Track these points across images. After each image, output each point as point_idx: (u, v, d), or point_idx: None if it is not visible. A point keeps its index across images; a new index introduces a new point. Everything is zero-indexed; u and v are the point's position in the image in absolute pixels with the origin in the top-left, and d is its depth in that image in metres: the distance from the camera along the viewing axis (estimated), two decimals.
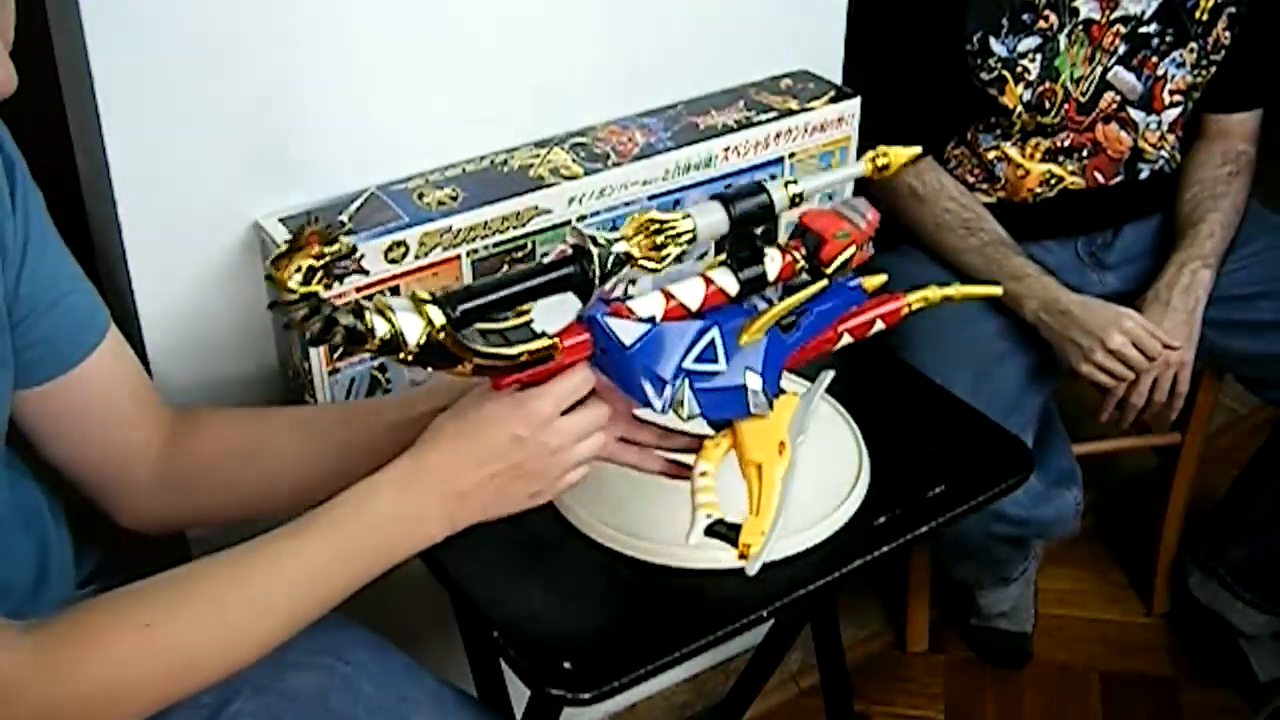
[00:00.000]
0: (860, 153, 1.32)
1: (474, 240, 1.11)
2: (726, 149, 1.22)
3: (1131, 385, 1.47)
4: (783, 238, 0.94)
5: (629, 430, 0.95)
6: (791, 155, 1.27)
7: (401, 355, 0.78)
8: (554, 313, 0.86)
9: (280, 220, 1.08)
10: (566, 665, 0.93)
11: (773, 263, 0.91)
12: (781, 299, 0.90)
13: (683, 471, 0.95)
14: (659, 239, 0.86)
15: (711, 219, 0.88)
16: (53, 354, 0.89)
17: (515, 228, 1.13)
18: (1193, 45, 1.49)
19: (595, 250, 0.84)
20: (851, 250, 0.92)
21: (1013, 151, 1.51)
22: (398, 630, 1.03)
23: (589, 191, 1.16)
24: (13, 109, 0.89)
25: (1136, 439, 1.75)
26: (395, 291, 1.08)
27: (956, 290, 1.00)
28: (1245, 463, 1.74)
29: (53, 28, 1.07)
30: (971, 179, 1.54)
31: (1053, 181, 1.53)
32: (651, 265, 0.86)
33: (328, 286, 0.75)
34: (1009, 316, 1.49)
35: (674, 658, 0.94)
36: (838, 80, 1.36)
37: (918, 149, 0.95)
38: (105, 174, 1.03)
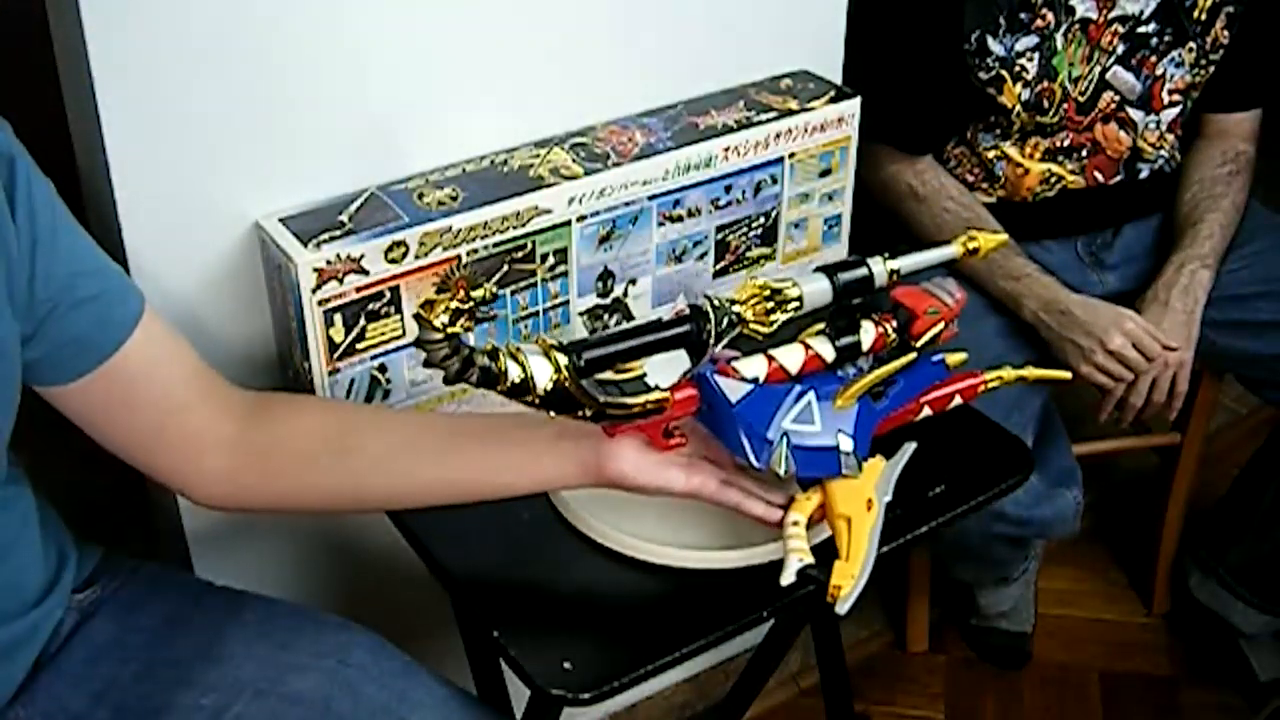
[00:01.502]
0: (860, 153, 1.33)
1: (474, 240, 1.11)
2: (726, 149, 1.22)
3: (1130, 385, 1.47)
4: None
5: (734, 477, 0.97)
6: (791, 155, 1.27)
7: (529, 398, 0.84)
8: (663, 370, 0.92)
9: (280, 220, 1.08)
10: (566, 665, 0.93)
11: (867, 334, 0.97)
12: (871, 369, 0.95)
13: (777, 517, 0.97)
14: (769, 304, 0.91)
15: (816, 287, 0.93)
16: (85, 349, 0.88)
17: (515, 228, 1.13)
18: (1191, 45, 1.49)
19: (713, 312, 0.89)
20: (940, 326, 0.98)
21: (1012, 151, 1.51)
22: (398, 630, 1.03)
23: (589, 191, 1.16)
24: (13, 109, 0.89)
25: (1136, 439, 1.76)
26: (395, 292, 1.08)
27: (1030, 372, 1.06)
28: (1245, 463, 1.74)
29: (53, 28, 1.07)
30: (971, 179, 1.54)
31: (1052, 181, 1.53)
32: (761, 329, 0.91)
33: (468, 330, 0.80)
34: (1009, 316, 1.49)
35: (674, 658, 0.94)
36: (838, 80, 1.36)
37: (1004, 237, 1.03)
38: (105, 174, 1.03)
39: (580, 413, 0.87)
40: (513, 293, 1.16)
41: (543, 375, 0.83)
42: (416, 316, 0.80)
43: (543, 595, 1.01)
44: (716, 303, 0.90)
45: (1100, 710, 1.74)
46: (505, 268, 1.14)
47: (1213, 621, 1.77)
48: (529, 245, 1.15)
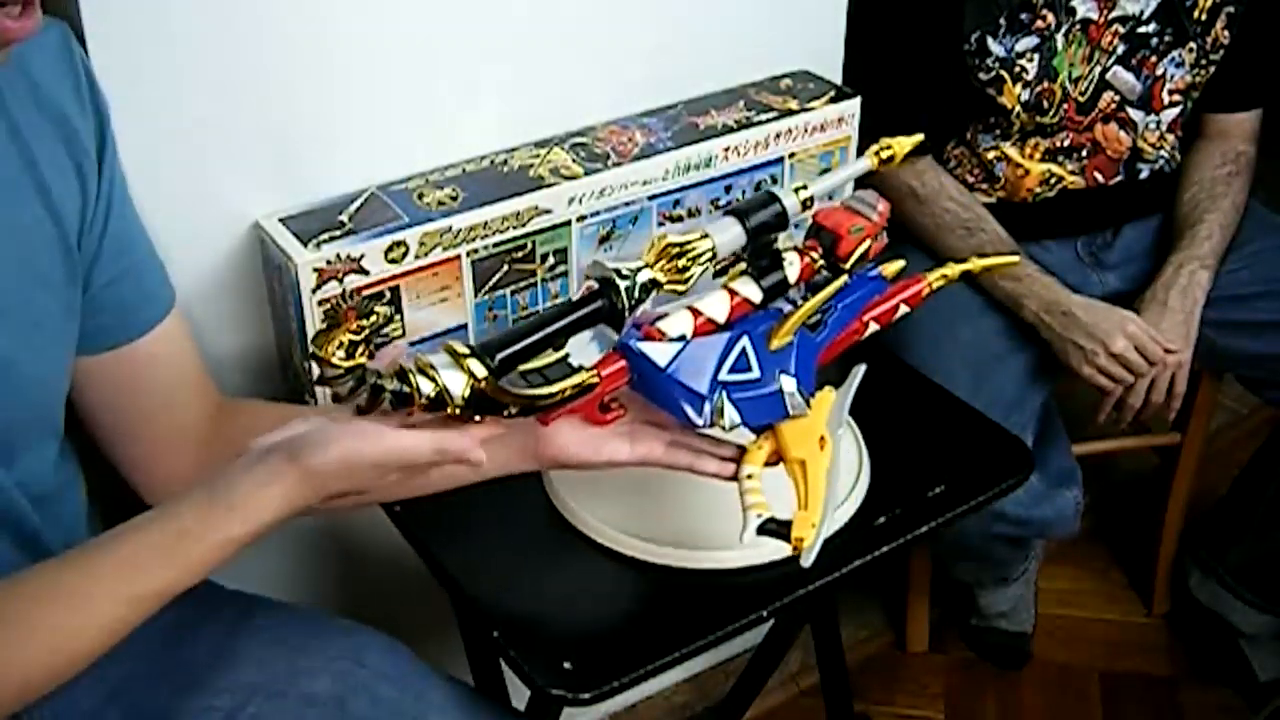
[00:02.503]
0: (860, 153, 1.33)
1: (474, 240, 1.11)
2: (726, 149, 1.22)
3: (1130, 387, 1.47)
4: (794, 240, 0.95)
5: (682, 437, 0.95)
6: (792, 155, 1.27)
7: (449, 409, 0.80)
8: (590, 345, 0.89)
9: (280, 220, 1.08)
10: (566, 665, 0.93)
11: (792, 266, 0.93)
12: (805, 297, 0.92)
13: (731, 471, 0.94)
14: (681, 262, 0.88)
15: (729, 235, 0.90)
16: (117, 323, 0.90)
17: (515, 228, 1.13)
18: (1192, 45, 1.49)
19: (621, 283, 0.86)
20: (867, 244, 0.94)
21: (1012, 151, 1.51)
22: (398, 630, 1.03)
23: (589, 191, 1.16)
24: None
25: (1136, 439, 1.75)
26: (395, 292, 1.08)
27: (975, 263, 1.01)
28: (1245, 463, 1.75)
29: None
30: (971, 179, 1.54)
31: (1052, 181, 1.53)
32: (677, 288, 0.88)
33: (370, 356, 0.78)
34: (1009, 316, 1.49)
35: (674, 658, 0.94)
36: (838, 80, 1.36)
37: (919, 137, 0.97)
38: None
39: (506, 412, 0.84)
40: (513, 293, 1.16)
41: (456, 386, 0.80)
42: (313, 356, 0.77)
43: (543, 595, 1.01)
44: (624, 271, 0.87)
45: (1100, 710, 1.74)
46: (505, 268, 1.14)
47: (1213, 621, 1.77)
48: (529, 245, 1.15)
